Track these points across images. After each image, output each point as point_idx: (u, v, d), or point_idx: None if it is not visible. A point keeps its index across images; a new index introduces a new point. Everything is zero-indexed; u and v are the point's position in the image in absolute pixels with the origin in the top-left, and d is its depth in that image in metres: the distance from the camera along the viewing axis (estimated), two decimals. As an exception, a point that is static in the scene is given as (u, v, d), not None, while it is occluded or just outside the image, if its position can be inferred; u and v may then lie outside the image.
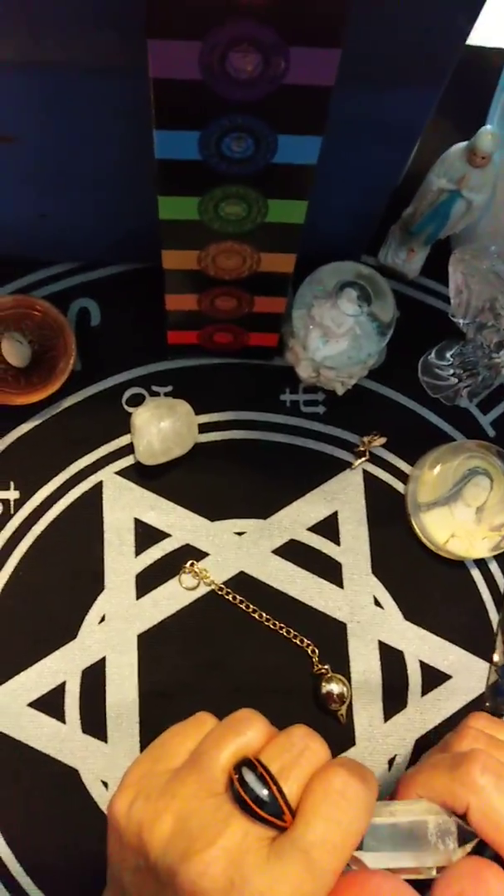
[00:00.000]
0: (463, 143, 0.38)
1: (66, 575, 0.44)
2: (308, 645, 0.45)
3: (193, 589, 0.45)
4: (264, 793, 0.24)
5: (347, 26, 0.25)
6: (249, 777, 0.25)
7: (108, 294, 0.47)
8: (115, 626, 0.44)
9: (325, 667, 0.45)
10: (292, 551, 0.46)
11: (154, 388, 0.47)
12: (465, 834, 0.29)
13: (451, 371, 0.47)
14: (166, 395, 0.47)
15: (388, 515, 0.47)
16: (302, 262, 0.43)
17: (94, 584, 0.44)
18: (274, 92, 0.27)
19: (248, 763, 0.25)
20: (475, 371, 0.44)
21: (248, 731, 0.26)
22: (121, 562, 0.45)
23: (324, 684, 0.44)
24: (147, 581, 0.45)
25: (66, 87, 0.31)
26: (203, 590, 0.45)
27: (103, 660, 0.44)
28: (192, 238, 0.35)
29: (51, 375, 0.43)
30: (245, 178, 0.31)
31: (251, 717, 0.27)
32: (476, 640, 0.46)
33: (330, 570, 0.46)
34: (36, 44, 0.29)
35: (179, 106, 0.28)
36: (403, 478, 0.48)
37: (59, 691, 0.43)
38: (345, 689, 0.44)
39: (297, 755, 0.25)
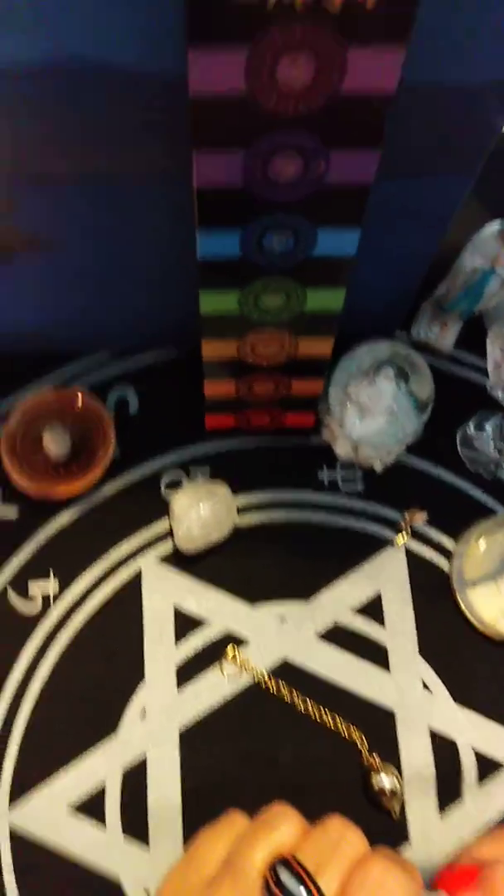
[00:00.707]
0: (496, 224, 0.38)
1: (106, 667, 0.43)
2: (356, 736, 0.43)
3: (235, 678, 0.44)
4: (301, 891, 0.23)
5: (385, 129, 0.25)
6: (285, 876, 0.24)
7: (145, 381, 0.48)
8: (157, 721, 0.43)
9: (375, 758, 0.43)
10: (336, 635, 0.45)
11: (192, 471, 0.47)
12: None
13: (491, 444, 0.46)
14: (204, 477, 0.47)
15: (434, 594, 0.46)
16: (337, 340, 0.43)
17: (134, 675, 0.43)
18: (315, 192, 0.27)
19: (283, 862, 0.24)
20: (517, 445, 0.44)
21: (282, 826, 0.25)
22: (161, 652, 0.44)
23: (374, 777, 0.42)
24: (188, 671, 0.44)
25: (115, 195, 0.32)
26: (245, 679, 0.44)
27: (144, 757, 0.42)
28: (232, 328, 0.35)
29: (90, 465, 0.43)
30: (285, 271, 0.32)
31: (284, 813, 0.26)
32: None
33: (376, 654, 0.45)
34: (88, 157, 0.30)
35: (221, 209, 0.28)
36: (447, 554, 0.47)
37: (100, 793, 0.41)
38: (396, 781, 0.42)
39: (332, 848, 0.25)
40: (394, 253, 0.39)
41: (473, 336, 0.49)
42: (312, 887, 0.24)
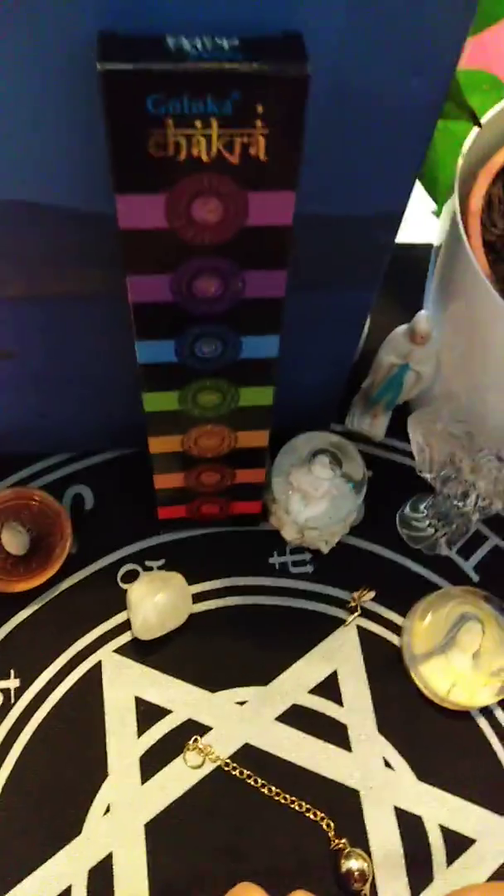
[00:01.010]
0: (404, 326, 0.43)
1: (68, 764, 0.43)
2: (322, 818, 0.44)
3: (199, 767, 0.44)
4: None
5: (289, 253, 0.30)
6: None
7: (100, 479, 0.51)
8: (121, 816, 0.43)
9: (343, 841, 0.43)
10: (296, 716, 0.46)
11: (147, 562, 0.49)
12: None
13: (427, 522, 0.50)
14: (159, 568, 0.49)
15: (388, 669, 0.48)
16: (278, 434, 0.47)
17: (97, 771, 0.43)
18: (235, 306, 0.32)
19: None
20: (449, 520, 0.47)
21: None
22: (124, 744, 0.44)
23: (343, 861, 0.42)
24: (151, 763, 0.44)
25: (61, 312, 0.37)
26: (209, 767, 0.44)
27: (110, 856, 0.42)
28: (175, 424, 0.39)
29: (48, 560, 0.45)
30: (217, 373, 0.36)
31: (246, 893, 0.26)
32: (496, 795, 0.45)
33: (336, 733, 0.46)
34: (34, 282, 0.34)
35: (155, 322, 0.32)
36: (397, 630, 0.49)
37: (65, 897, 0.41)
38: (365, 864, 0.42)
39: None
40: (319, 354, 0.44)
41: (403, 424, 0.53)
42: None
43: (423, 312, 0.41)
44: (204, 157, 0.26)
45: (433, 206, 0.42)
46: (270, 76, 0.24)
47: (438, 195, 0.40)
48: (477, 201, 0.39)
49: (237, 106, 0.25)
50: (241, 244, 0.29)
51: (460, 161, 0.39)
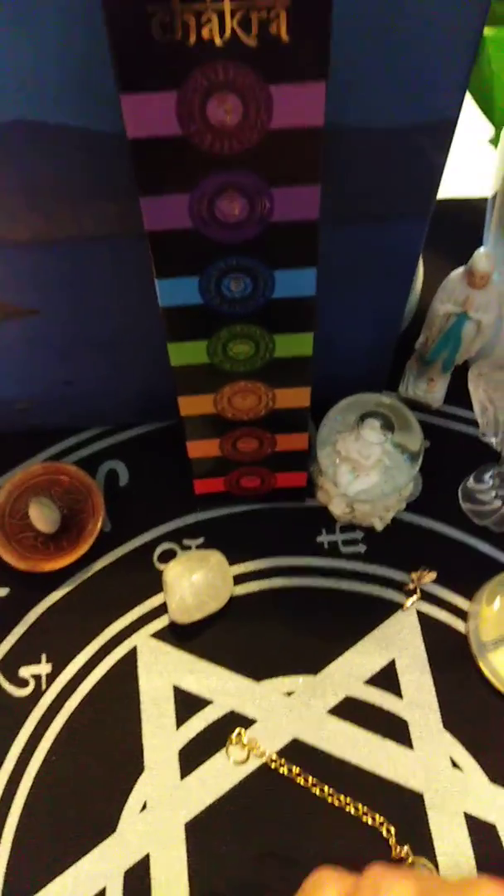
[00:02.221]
0: (461, 268, 0.39)
1: (102, 756, 0.40)
2: (382, 823, 0.39)
3: (243, 762, 0.40)
4: None
5: (321, 164, 0.26)
6: None
7: (135, 454, 0.48)
8: (159, 815, 0.39)
9: (405, 849, 0.38)
10: (350, 710, 0.41)
11: (185, 541, 0.46)
12: None
13: (494, 494, 0.45)
14: (198, 547, 0.45)
15: (453, 659, 0.43)
16: (323, 401, 0.43)
17: (132, 764, 0.40)
18: (263, 231, 0.29)
19: None
20: (518, 489, 0.42)
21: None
22: (161, 736, 0.41)
23: (407, 873, 0.37)
24: (191, 757, 0.40)
25: (79, 257, 0.34)
26: (254, 763, 0.40)
27: (147, 857, 0.38)
28: (206, 382, 0.36)
29: (79, 538, 0.43)
30: (249, 317, 0.32)
31: (322, 885, 0.23)
32: None
33: (396, 729, 0.41)
34: (49, 222, 0.32)
35: (176, 254, 0.29)
36: (463, 615, 0.44)
37: (99, 901, 0.37)
38: (432, 877, 0.37)
39: None
40: (365, 306, 0.40)
41: (463, 389, 0.49)
42: None
43: (482, 249, 0.36)
44: (217, 40, 0.23)
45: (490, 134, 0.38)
46: None
47: (495, 116, 0.36)
48: (542, 117, 0.34)
49: (251, -30, 0.21)
50: (265, 152, 0.26)
51: (521, 72, 0.34)
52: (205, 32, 0.22)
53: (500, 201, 0.38)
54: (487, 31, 0.34)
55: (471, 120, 0.40)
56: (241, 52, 0.23)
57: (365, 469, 0.42)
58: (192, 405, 0.37)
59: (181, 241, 0.28)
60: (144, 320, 0.36)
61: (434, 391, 0.47)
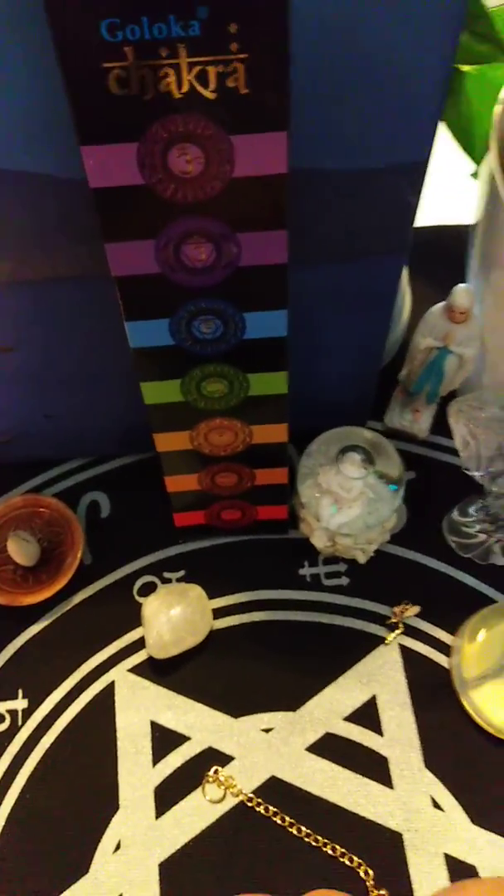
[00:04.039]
0: (441, 303, 0.38)
1: (77, 794, 0.40)
2: (359, 864, 0.38)
3: (219, 801, 0.40)
4: None
5: (287, 209, 0.26)
6: None
7: (116, 486, 0.48)
8: (133, 855, 0.39)
9: (383, 892, 0.38)
10: (329, 747, 0.41)
11: (166, 574, 0.45)
12: None
13: (478, 527, 0.44)
14: (179, 580, 0.45)
15: (436, 695, 0.42)
16: (309, 431, 0.43)
17: (107, 802, 0.40)
18: (231, 275, 0.28)
19: None
20: (502, 523, 0.42)
21: None
22: (137, 774, 0.40)
23: (384, 916, 0.37)
24: (167, 795, 0.40)
25: (53, 296, 0.34)
26: (231, 801, 0.40)
27: (121, 899, 0.38)
28: (181, 419, 0.35)
29: (58, 571, 0.42)
30: (221, 357, 0.32)
31: None
32: None
33: (375, 767, 0.40)
34: (22, 264, 0.32)
35: (144, 298, 0.29)
36: (445, 649, 0.43)
37: (71, 945, 0.37)
38: (410, 921, 0.37)
39: None
40: (346, 339, 0.39)
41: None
42: None
43: (462, 285, 0.36)
44: (175, 93, 0.23)
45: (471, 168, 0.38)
46: (240, -16, 0.20)
47: (475, 151, 0.35)
48: (519, 155, 0.34)
49: (206, 26, 0.21)
50: (230, 200, 0.26)
51: (498, 109, 0.34)
52: (162, 86, 0.22)
53: (481, 235, 0.38)
54: (466, 69, 0.34)
55: (455, 152, 0.39)
56: (200, 105, 0.23)
57: (347, 502, 0.42)
58: (168, 441, 0.37)
59: (149, 285, 0.28)
60: (120, 357, 0.35)
61: (419, 422, 0.47)
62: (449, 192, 0.49)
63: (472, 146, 0.35)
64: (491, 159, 0.34)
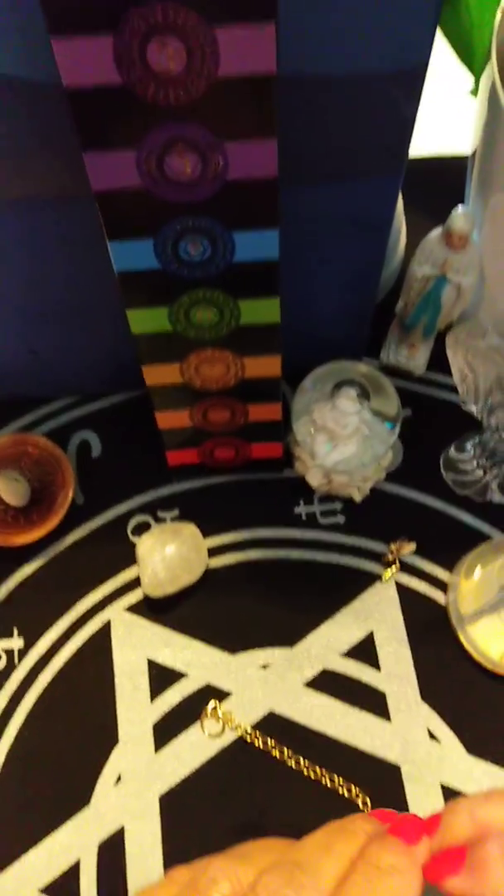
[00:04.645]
0: (439, 228, 0.37)
1: (76, 730, 0.40)
2: (357, 794, 0.39)
3: (218, 736, 0.40)
4: None
5: (278, 117, 0.25)
6: None
7: (107, 424, 0.47)
8: (133, 788, 0.39)
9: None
10: (327, 682, 0.41)
11: (160, 513, 0.45)
12: None
13: (475, 463, 0.43)
14: (173, 519, 0.45)
15: (432, 631, 0.42)
16: (303, 368, 0.42)
17: (106, 738, 0.40)
18: (219, 190, 0.27)
19: None
20: (499, 459, 0.41)
21: (214, 894, 0.21)
22: (135, 710, 0.40)
23: (382, 844, 0.37)
24: (165, 730, 0.40)
25: (31, 219, 0.32)
26: (229, 736, 0.40)
27: (121, 830, 0.38)
28: (170, 350, 0.34)
29: (50, 511, 0.42)
30: (210, 281, 0.31)
31: (216, 877, 0.21)
32: None
33: (373, 702, 0.41)
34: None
35: (127, 215, 0.28)
36: (442, 586, 0.43)
37: (74, 872, 0.37)
38: (408, 848, 0.37)
39: None
40: (341, 265, 0.38)
41: (446, 356, 0.47)
42: None
43: (459, 208, 0.35)
44: (153, -23, 0.21)
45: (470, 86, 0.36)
46: None
47: (475, 64, 0.34)
48: (521, 64, 0.32)
49: None
50: (215, 104, 0.24)
51: (499, 17, 0.32)
52: (139, -32, 0.21)
53: (479, 157, 0.37)
54: (465, -28, 0.32)
55: (454, 71, 0.38)
56: (180, -9, 0.21)
57: (342, 439, 0.41)
58: (157, 374, 0.36)
59: (132, 201, 0.27)
60: (104, 286, 0.34)
61: (416, 358, 0.46)
62: (448, 119, 0.47)
63: (472, 58, 0.33)
64: (494, 71, 0.32)
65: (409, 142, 0.31)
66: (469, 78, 0.36)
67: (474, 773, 0.39)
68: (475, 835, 0.21)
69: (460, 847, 0.21)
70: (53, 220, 0.32)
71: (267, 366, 0.36)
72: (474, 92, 0.36)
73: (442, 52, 0.34)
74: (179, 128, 0.25)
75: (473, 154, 0.38)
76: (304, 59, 0.27)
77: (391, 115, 0.30)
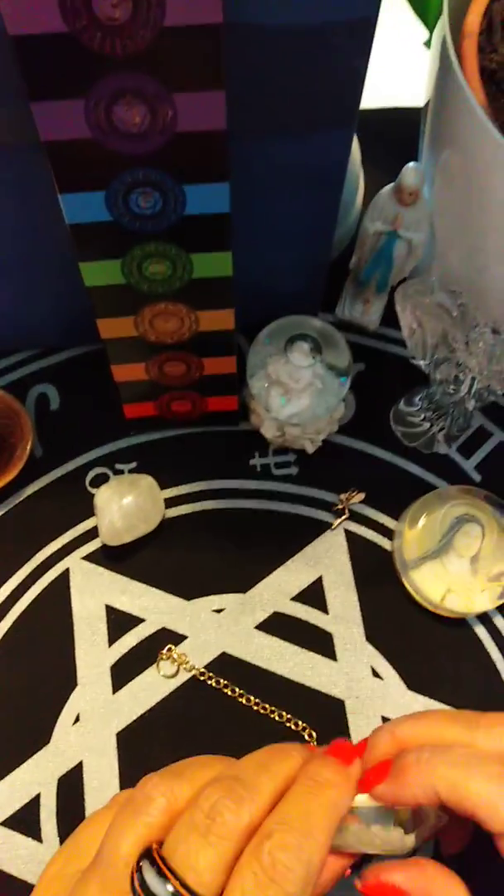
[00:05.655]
0: (391, 185, 0.37)
1: (35, 673, 0.41)
2: (304, 728, 0.41)
3: (173, 676, 0.42)
4: (168, 890, 0.20)
5: (226, 68, 0.25)
6: (149, 875, 0.21)
7: (66, 378, 0.47)
8: (92, 726, 0.41)
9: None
10: (277, 625, 0.43)
11: (118, 466, 0.46)
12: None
13: (422, 416, 0.45)
14: (131, 471, 0.45)
15: (378, 576, 0.44)
16: (258, 326, 0.42)
17: (66, 681, 0.41)
18: (169, 142, 0.27)
19: (148, 855, 0.21)
20: (444, 411, 0.42)
21: (151, 810, 0.22)
22: (94, 654, 0.42)
23: (327, 772, 0.40)
24: (123, 672, 0.42)
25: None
26: (184, 676, 0.42)
27: (80, 765, 0.40)
28: (124, 303, 0.35)
29: (9, 464, 0.42)
30: (162, 235, 0.31)
31: (151, 794, 0.23)
32: (492, 705, 0.42)
33: (321, 642, 0.43)
34: None
35: (77, 167, 0.28)
36: (389, 534, 0.45)
37: (34, 805, 0.39)
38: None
39: (205, 830, 0.21)
40: (294, 219, 0.38)
41: (399, 311, 0.48)
42: (178, 885, 0.20)
43: (411, 164, 0.35)
44: None
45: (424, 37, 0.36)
46: None
47: (429, 16, 0.34)
48: (474, 20, 0.32)
49: None
50: (162, 53, 0.24)
51: (452, -31, 0.32)
52: None
53: (431, 112, 0.37)
54: None
55: (409, 21, 0.37)
56: None
57: (296, 392, 0.42)
58: (112, 328, 0.36)
59: (81, 152, 0.27)
60: (56, 238, 0.34)
61: (370, 313, 0.47)
62: (404, 71, 0.47)
63: (426, 10, 0.34)
64: (445, 23, 0.32)
65: (360, 93, 0.31)
66: (423, 30, 0.36)
67: (413, 707, 0.42)
68: (396, 750, 0.24)
69: (386, 761, 0.24)
70: (3, 167, 0.32)
71: (220, 320, 0.37)
72: (428, 43, 0.36)
73: (401, 2, 0.34)
74: (127, 78, 0.25)
75: (426, 108, 0.38)
76: (251, 9, 0.27)
77: (341, 67, 0.30)
